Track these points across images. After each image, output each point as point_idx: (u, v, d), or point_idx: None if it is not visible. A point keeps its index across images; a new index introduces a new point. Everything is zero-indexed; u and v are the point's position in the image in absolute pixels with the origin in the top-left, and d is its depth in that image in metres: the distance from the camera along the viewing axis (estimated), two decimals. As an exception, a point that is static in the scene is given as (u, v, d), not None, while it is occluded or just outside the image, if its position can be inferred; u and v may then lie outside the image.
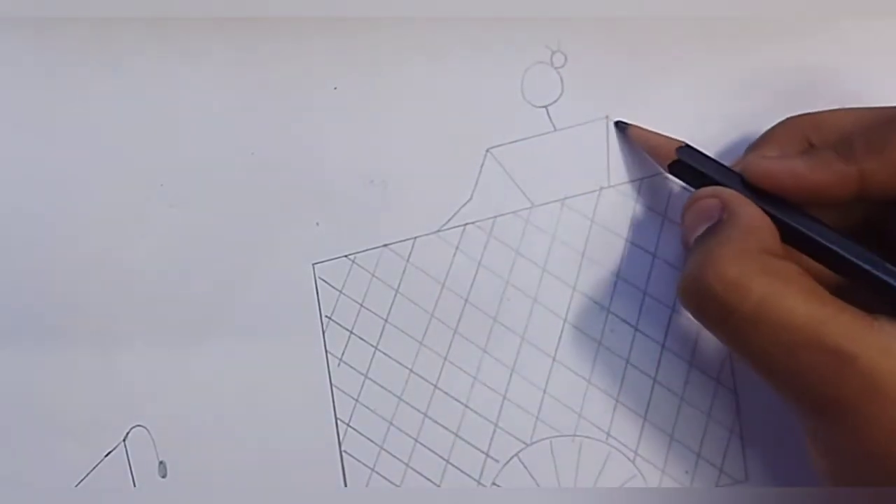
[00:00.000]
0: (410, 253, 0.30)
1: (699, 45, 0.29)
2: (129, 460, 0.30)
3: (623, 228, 0.29)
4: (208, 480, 0.30)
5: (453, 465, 0.29)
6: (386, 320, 0.30)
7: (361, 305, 0.30)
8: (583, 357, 0.29)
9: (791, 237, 0.24)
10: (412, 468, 0.29)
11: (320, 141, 0.30)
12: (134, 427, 0.30)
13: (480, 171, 0.30)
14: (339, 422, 0.29)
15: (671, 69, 0.29)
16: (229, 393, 0.30)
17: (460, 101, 0.30)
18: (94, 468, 0.30)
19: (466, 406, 0.29)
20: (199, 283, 0.30)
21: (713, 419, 0.29)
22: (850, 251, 0.24)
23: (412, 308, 0.30)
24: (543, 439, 0.29)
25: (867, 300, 0.22)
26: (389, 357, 0.30)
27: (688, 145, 0.27)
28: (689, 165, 0.26)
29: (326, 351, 0.30)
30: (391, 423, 0.29)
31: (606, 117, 0.30)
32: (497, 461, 0.29)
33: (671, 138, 0.27)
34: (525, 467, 0.29)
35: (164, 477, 0.30)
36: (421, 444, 0.29)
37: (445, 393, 0.29)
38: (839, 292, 0.22)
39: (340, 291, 0.30)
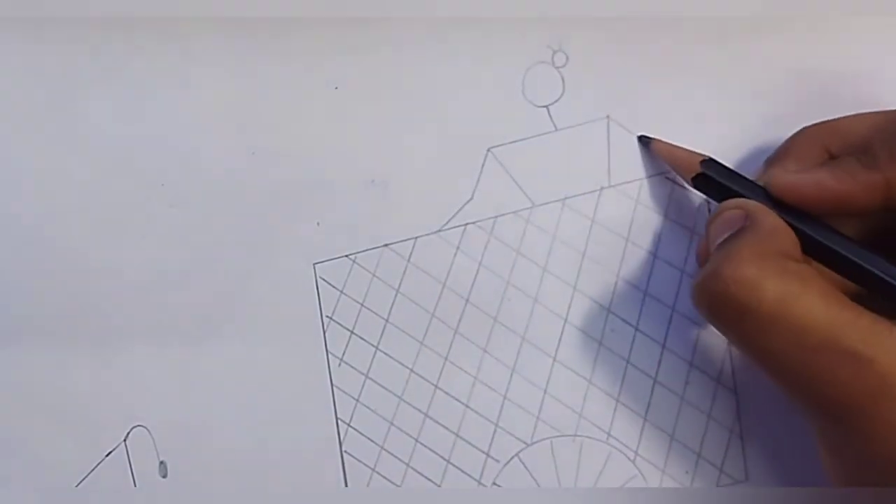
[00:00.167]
0: (411, 253, 0.30)
1: (700, 45, 0.30)
2: (129, 460, 0.30)
3: (624, 228, 0.29)
4: (209, 480, 0.30)
5: (454, 465, 0.29)
6: (387, 320, 0.30)
7: (362, 305, 0.30)
8: (583, 357, 0.29)
9: (813, 249, 0.24)
10: (413, 468, 0.29)
11: (321, 140, 0.30)
12: (134, 427, 0.30)
13: (481, 171, 0.30)
14: (339, 421, 0.29)
15: (672, 69, 0.30)
16: (230, 393, 0.30)
17: (461, 101, 0.30)
18: (95, 468, 0.30)
19: (467, 406, 0.29)
20: (199, 283, 0.30)
21: (713, 419, 0.29)
22: (871, 262, 0.24)
23: (413, 308, 0.30)
24: (544, 439, 0.29)
25: (888, 311, 0.22)
26: (390, 357, 0.30)
27: (711, 159, 0.27)
28: (713, 178, 0.26)
29: (327, 351, 0.30)
30: (392, 423, 0.29)
31: (608, 117, 0.30)
32: (498, 461, 0.29)
33: (694, 152, 0.27)
34: (525, 467, 0.29)
35: (164, 477, 0.30)
36: (421, 444, 0.29)
37: (446, 393, 0.29)
38: (859, 302, 0.22)
39: (341, 291, 0.30)
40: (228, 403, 0.30)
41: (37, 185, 0.30)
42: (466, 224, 0.30)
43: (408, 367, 0.29)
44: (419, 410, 0.29)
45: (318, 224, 0.30)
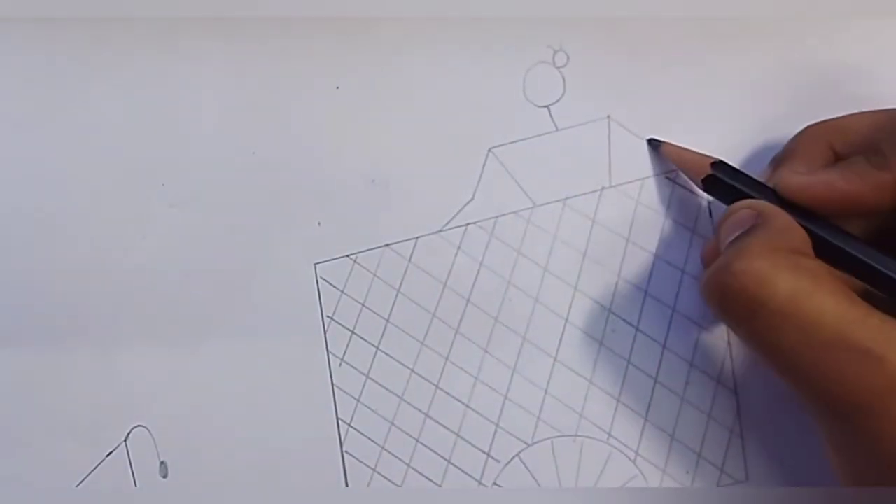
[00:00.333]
0: (412, 253, 0.30)
1: (700, 45, 0.30)
2: (130, 460, 0.30)
3: (624, 228, 0.29)
4: (209, 480, 0.30)
5: (454, 466, 0.29)
6: (387, 320, 0.30)
7: (363, 305, 0.30)
8: (584, 357, 0.29)
9: (823, 249, 0.24)
10: (413, 468, 0.29)
11: (322, 140, 0.30)
12: (135, 427, 0.30)
13: (482, 171, 0.30)
14: (340, 422, 0.29)
15: (673, 69, 0.30)
16: (230, 393, 0.30)
17: (462, 101, 0.30)
18: (96, 468, 0.30)
19: (468, 406, 0.29)
20: (199, 282, 0.30)
21: (714, 419, 0.29)
22: (881, 262, 0.23)
23: (414, 308, 0.30)
24: (545, 439, 0.29)
25: None
26: (391, 357, 0.30)
27: (721, 161, 0.27)
28: (722, 180, 0.26)
29: (328, 351, 0.30)
30: (392, 423, 0.29)
31: (608, 117, 0.30)
32: (498, 461, 0.29)
33: (704, 155, 0.27)
34: (526, 467, 0.29)
35: (165, 477, 0.30)
36: (422, 444, 0.29)
37: (447, 393, 0.29)
38: (868, 302, 0.22)
39: (342, 291, 0.30)
40: (228, 403, 0.30)
41: (37, 185, 0.30)
42: (467, 224, 0.30)
43: (408, 368, 0.29)
44: (420, 410, 0.29)
45: (318, 224, 0.30)
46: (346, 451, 0.29)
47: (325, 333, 0.30)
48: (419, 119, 0.30)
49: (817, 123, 0.27)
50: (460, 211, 0.30)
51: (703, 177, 0.27)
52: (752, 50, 0.29)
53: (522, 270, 0.29)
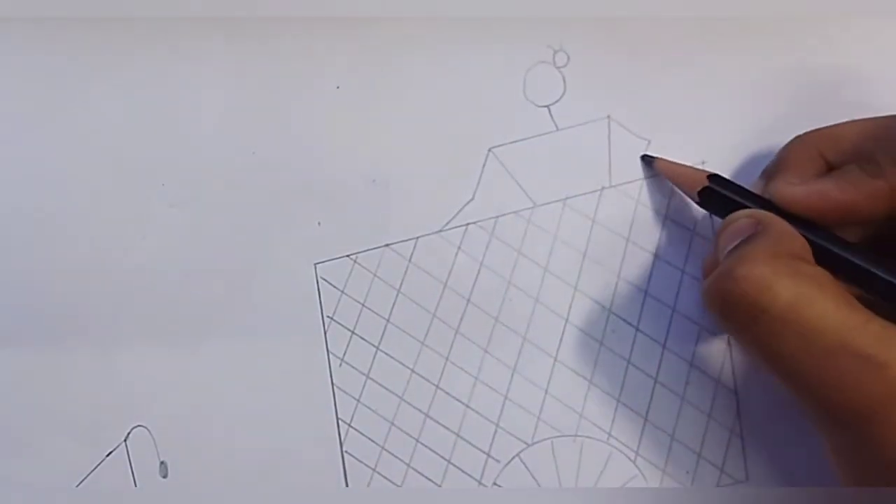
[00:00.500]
0: (412, 253, 0.30)
1: (701, 45, 0.30)
2: (130, 460, 0.30)
3: (625, 228, 0.29)
4: (209, 480, 0.30)
5: (455, 466, 0.29)
6: (388, 320, 0.30)
7: (363, 305, 0.30)
8: (584, 357, 0.29)
9: (820, 258, 0.24)
10: (413, 468, 0.29)
11: (322, 140, 0.30)
12: (135, 427, 0.30)
13: (482, 171, 0.30)
14: (340, 422, 0.29)
15: (673, 69, 0.30)
16: (230, 393, 0.30)
17: (462, 101, 0.30)
18: (96, 468, 0.30)
19: (468, 406, 0.29)
20: (199, 283, 0.30)
21: (714, 419, 0.29)
22: (879, 269, 0.23)
23: (414, 308, 0.30)
24: (545, 439, 0.29)
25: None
26: (391, 357, 0.30)
27: (716, 175, 0.27)
28: (719, 194, 0.26)
29: (328, 351, 0.30)
30: (392, 424, 0.29)
31: (608, 117, 0.30)
32: (498, 461, 0.29)
33: (698, 169, 0.27)
34: (526, 467, 0.29)
35: (165, 477, 0.30)
36: (422, 444, 0.29)
37: (447, 393, 0.29)
38: (870, 309, 0.22)
39: (342, 291, 0.30)
40: (229, 403, 0.30)
41: (37, 185, 0.30)
42: (468, 224, 0.30)
43: (409, 368, 0.29)
44: (420, 410, 0.29)
45: (319, 224, 0.30)
46: (346, 451, 0.29)
47: (325, 333, 0.30)
48: (419, 119, 0.30)
49: (807, 133, 0.27)
50: (460, 211, 0.30)
51: (698, 190, 0.27)
52: (751, 50, 0.29)
53: (522, 270, 0.29)
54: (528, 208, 0.30)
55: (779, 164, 0.27)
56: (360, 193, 0.30)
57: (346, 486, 0.29)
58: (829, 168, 0.26)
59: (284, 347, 0.30)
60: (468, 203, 0.30)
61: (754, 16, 0.29)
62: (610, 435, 0.29)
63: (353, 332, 0.30)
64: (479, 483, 0.29)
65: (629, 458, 0.29)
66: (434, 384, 0.29)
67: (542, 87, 0.30)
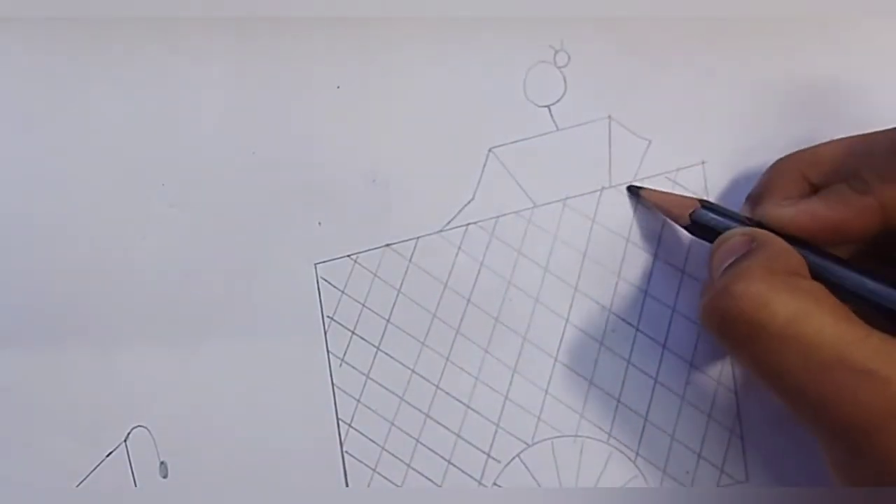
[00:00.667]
0: (412, 253, 0.30)
1: (701, 45, 0.30)
2: (130, 460, 0.30)
3: (625, 228, 0.29)
4: (209, 481, 0.30)
5: (455, 466, 0.29)
6: (388, 320, 0.30)
7: (363, 305, 0.30)
8: (584, 357, 0.29)
9: (816, 278, 0.24)
10: (413, 468, 0.29)
11: (322, 140, 0.30)
12: (135, 427, 0.30)
13: (483, 171, 0.30)
14: (340, 422, 0.29)
15: (673, 69, 0.30)
16: (230, 393, 0.30)
17: (463, 101, 0.30)
18: (96, 468, 0.30)
19: (468, 406, 0.29)
20: (199, 282, 0.30)
21: (714, 419, 0.29)
22: (873, 286, 0.23)
23: (414, 308, 0.30)
24: (545, 440, 0.29)
25: (892, 333, 0.22)
26: (391, 357, 0.30)
27: (705, 201, 0.27)
28: (709, 219, 0.26)
29: (328, 351, 0.30)
30: (393, 424, 0.29)
31: (609, 117, 0.30)
32: (498, 461, 0.29)
33: (686, 196, 0.27)
34: (526, 468, 0.29)
35: (165, 477, 0.30)
36: (422, 444, 0.29)
37: (447, 393, 0.29)
38: (868, 323, 0.22)
39: (342, 291, 0.30)
40: (229, 404, 0.30)
41: (36, 185, 0.30)
42: (468, 224, 0.30)
43: (409, 368, 0.29)
44: (420, 411, 0.29)
45: (319, 224, 0.30)
46: (346, 451, 0.29)
47: (325, 333, 0.30)
48: (419, 119, 0.30)
49: (787, 156, 0.27)
50: (461, 211, 0.30)
51: (689, 212, 0.27)
52: (751, 50, 0.29)
53: (523, 270, 0.29)
54: (529, 208, 0.30)
55: (763, 187, 0.27)
56: (360, 193, 0.30)
57: (346, 486, 0.29)
58: (814, 189, 0.26)
59: (284, 347, 0.30)
60: (468, 203, 0.30)
61: (754, 16, 0.29)
62: (610, 435, 0.29)
63: (353, 333, 0.30)
64: (480, 483, 0.29)
65: (629, 459, 0.29)
66: (434, 384, 0.29)
67: (542, 86, 0.30)
